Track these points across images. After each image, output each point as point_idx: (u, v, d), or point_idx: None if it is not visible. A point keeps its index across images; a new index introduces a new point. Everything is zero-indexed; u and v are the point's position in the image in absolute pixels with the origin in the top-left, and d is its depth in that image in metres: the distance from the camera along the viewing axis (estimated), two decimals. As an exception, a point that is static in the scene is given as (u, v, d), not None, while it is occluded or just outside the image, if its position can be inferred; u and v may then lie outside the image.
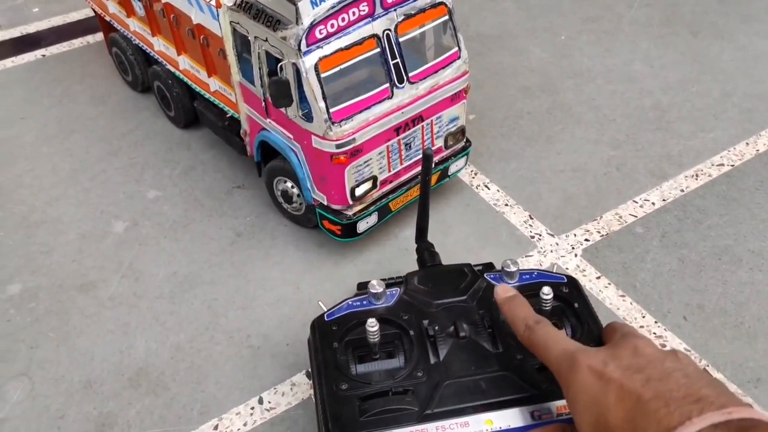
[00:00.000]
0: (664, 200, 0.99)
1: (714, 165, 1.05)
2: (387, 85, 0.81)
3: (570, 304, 0.67)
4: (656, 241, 0.93)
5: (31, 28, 1.45)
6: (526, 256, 0.91)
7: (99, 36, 1.38)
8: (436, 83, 0.85)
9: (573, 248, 0.92)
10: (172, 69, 1.04)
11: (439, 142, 0.92)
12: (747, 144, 1.09)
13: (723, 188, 1.01)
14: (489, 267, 0.77)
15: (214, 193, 1.02)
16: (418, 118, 0.86)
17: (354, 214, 0.86)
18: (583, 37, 1.36)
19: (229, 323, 0.84)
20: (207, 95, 0.99)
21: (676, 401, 0.42)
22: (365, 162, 0.83)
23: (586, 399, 0.47)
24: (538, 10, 1.45)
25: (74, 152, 1.11)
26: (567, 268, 0.89)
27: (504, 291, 0.61)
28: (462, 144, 0.95)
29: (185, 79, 1.02)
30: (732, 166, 1.05)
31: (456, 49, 0.87)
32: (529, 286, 0.69)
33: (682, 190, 1.01)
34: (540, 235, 0.94)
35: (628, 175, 1.04)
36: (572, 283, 0.70)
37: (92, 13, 1.45)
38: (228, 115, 0.98)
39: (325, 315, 0.69)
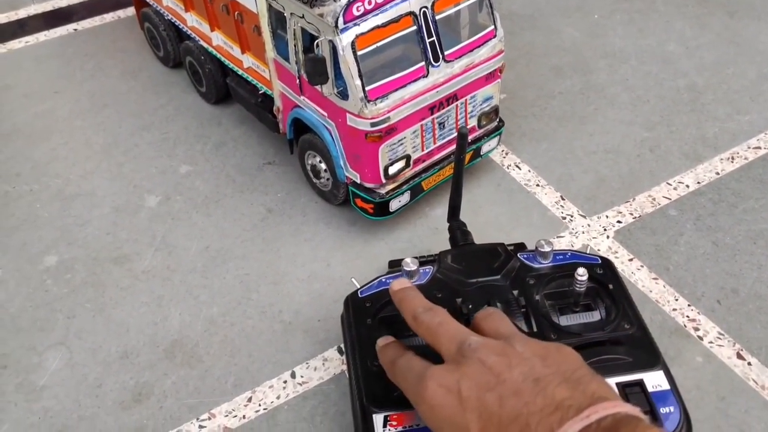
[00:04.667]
0: (698, 183, 0.98)
1: (750, 148, 1.03)
2: (422, 63, 0.80)
3: (604, 286, 0.67)
4: (690, 224, 0.92)
5: (63, 2, 1.46)
6: (557, 237, 0.91)
7: (130, 11, 1.38)
8: (471, 62, 0.84)
9: (605, 230, 0.92)
10: (205, 45, 1.04)
11: (473, 122, 0.91)
12: (784, 127, 1.07)
13: (759, 171, 0.99)
14: (521, 247, 0.77)
15: (245, 169, 1.03)
16: (452, 97, 0.85)
17: (387, 193, 0.86)
18: (616, 17, 1.34)
19: (260, 298, 0.85)
20: (240, 72, 0.99)
21: (536, 416, 0.42)
22: (399, 141, 0.83)
23: (443, 416, 0.47)
24: (571, -12, 1.43)
25: (107, 126, 1.12)
26: (599, 250, 0.89)
27: (398, 284, 0.61)
28: (495, 124, 0.94)
29: (218, 56, 1.02)
30: (769, 149, 1.03)
31: (492, 27, 0.86)
32: (563, 266, 0.69)
33: (717, 173, 0.99)
34: (572, 216, 0.94)
35: (661, 158, 1.02)
36: (606, 264, 0.70)
37: (123, -12, 1.46)
38: (261, 92, 0.98)
39: (359, 292, 0.69)
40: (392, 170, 0.85)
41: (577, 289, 0.65)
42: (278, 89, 0.92)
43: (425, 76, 0.81)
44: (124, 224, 0.96)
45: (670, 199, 0.96)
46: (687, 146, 1.04)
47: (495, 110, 0.93)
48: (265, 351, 0.79)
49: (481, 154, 0.95)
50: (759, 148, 1.03)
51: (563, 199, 0.96)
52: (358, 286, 0.70)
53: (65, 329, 0.83)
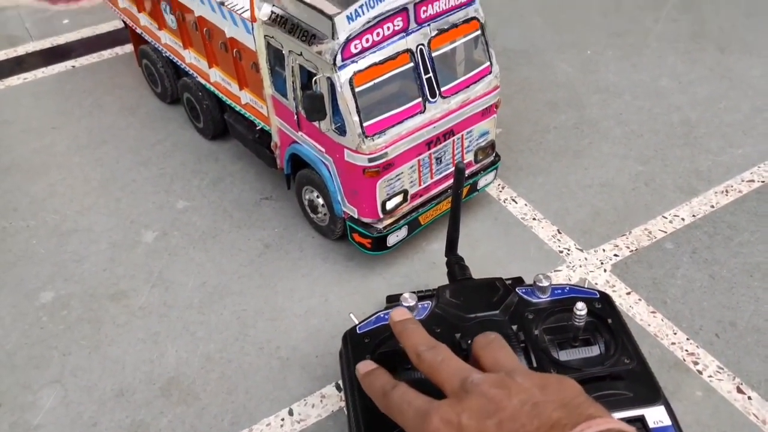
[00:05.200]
0: (694, 216, 0.99)
1: (744, 181, 1.04)
2: (419, 99, 0.81)
3: (603, 320, 0.67)
4: (687, 257, 0.92)
5: (62, 39, 1.48)
6: (554, 271, 0.91)
7: (128, 47, 1.40)
8: (467, 98, 0.86)
9: (602, 263, 0.92)
10: (203, 81, 1.05)
11: (469, 157, 0.92)
12: (777, 160, 1.08)
13: (754, 204, 1.00)
14: (518, 281, 0.77)
15: (243, 205, 1.03)
16: (449, 133, 0.86)
17: (384, 228, 0.87)
18: (609, 53, 1.36)
19: (258, 334, 0.85)
20: (238, 108, 1.00)
21: None
22: (397, 176, 0.84)
23: None
24: (565, 25, 1.45)
25: (105, 162, 1.13)
26: (596, 284, 0.89)
27: (399, 314, 0.61)
28: (491, 158, 0.95)
29: (216, 92, 1.03)
30: (762, 182, 1.04)
31: (488, 63, 0.87)
32: (562, 301, 0.69)
33: (712, 206, 1.00)
34: (568, 250, 0.94)
35: (656, 191, 1.03)
36: (605, 298, 0.70)
37: (121, 25, 1.48)
38: (258, 128, 0.99)
39: (357, 327, 0.69)
40: (390, 205, 0.85)
41: (576, 323, 0.64)
42: (276, 125, 0.93)
43: (422, 112, 0.82)
44: (121, 260, 0.95)
45: (665, 232, 0.96)
46: (681, 179, 1.05)
47: (491, 145, 0.94)
48: (263, 388, 0.79)
49: (478, 188, 0.96)
50: (753, 181, 1.04)
51: (560, 232, 0.97)
52: (357, 322, 0.70)
53: (60, 367, 0.82)
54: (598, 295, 0.70)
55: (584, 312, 0.64)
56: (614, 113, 1.20)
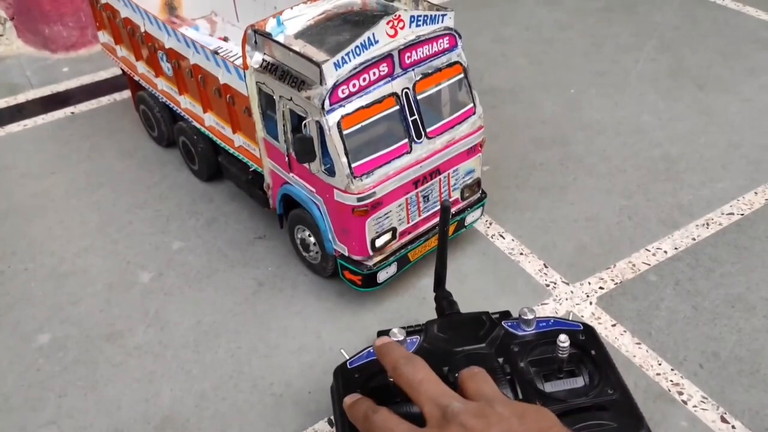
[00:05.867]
0: (676, 248, 1.01)
1: (724, 214, 1.07)
2: (406, 140, 0.84)
3: (587, 352, 0.69)
4: (670, 288, 0.95)
5: (61, 86, 1.52)
6: (541, 304, 0.93)
7: (126, 94, 1.44)
8: (452, 138, 0.89)
9: (588, 296, 0.94)
10: (198, 125, 1.09)
11: (456, 194, 0.95)
12: (756, 193, 1.11)
13: (734, 237, 1.03)
14: (506, 315, 0.79)
15: (237, 244, 1.06)
16: (435, 172, 0.89)
17: (374, 265, 0.89)
18: (592, 91, 1.41)
19: (252, 371, 0.86)
20: (231, 150, 1.03)
21: None
22: (385, 214, 0.86)
23: None
24: (549, 65, 1.50)
25: (102, 205, 1.15)
26: (582, 316, 0.91)
27: (381, 341, 0.63)
28: (478, 195, 0.98)
29: (210, 135, 1.07)
30: (742, 215, 1.07)
31: (471, 105, 0.91)
32: (546, 333, 0.71)
33: (694, 239, 1.03)
34: (555, 284, 0.96)
35: (640, 224, 1.06)
36: (588, 330, 0.71)
37: (118, 73, 1.52)
38: (251, 169, 1.02)
39: (348, 363, 0.71)
40: (379, 242, 0.88)
41: (560, 355, 0.66)
42: (268, 167, 0.96)
43: (408, 152, 0.85)
44: (117, 301, 0.97)
45: (649, 264, 0.99)
46: (664, 213, 1.08)
47: (477, 182, 0.97)
48: (257, 425, 0.80)
49: (465, 225, 0.99)
50: (732, 214, 1.07)
51: (546, 266, 0.99)
52: (347, 357, 0.72)
53: (57, 408, 0.83)
54: (582, 328, 0.71)
55: (567, 344, 0.66)
56: (598, 149, 1.23)
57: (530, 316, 0.71)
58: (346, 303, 0.95)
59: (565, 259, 1.00)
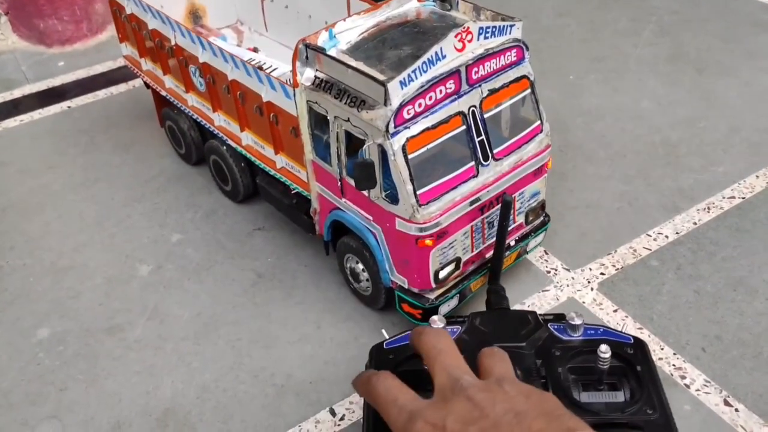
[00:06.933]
0: (677, 233, 1.01)
1: (725, 198, 1.07)
2: (472, 163, 0.78)
3: (632, 367, 0.65)
4: (671, 273, 0.94)
5: (57, 81, 1.51)
6: (542, 291, 0.93)
7: (122, 87, 1.43)
8: (520, 159, 0.82)
9: (589, 282, 0.94)
10: (234, 144, 1.01)
11: (520, 218, 0.88)
12: (757, 177, 1.11)
13: (735, 220, 1.02)
14: (559, 317, 0.73)
15: (236, 236, 1.05)
16: (501, 196, 0.81)
17: (436, 298, 0.82)
18: (591, 77, 1.40)
19: (253, 362, 0.86)
20: (272, 172, 0.95)
21: None
22: (450, 244, 0.80)
23: None
24: (547, 52, 1.49)
25: (100, 199, 1.15)
26: (584, 302, 0.91)
27: (422, 329, 0.61)
28: (541, 218, 0.92)
29: (248, 155, 0.99)
30: (743, 198, 1.06)
31: (538, 122, 0.84)
32: (592, 341, 0.67)
33: (695, 223, 1.02)
34: (556, 270, 0.96)
35: (640, 210, 1.06)
36: (639, 344, 0.67)
37: (114, 66, 1.52)
38: (294, 192, 0.94)
39: (385, 343, 0.68)
40: (442, 274, 0.81)
41: (600, 366, 0.63)
42: (316, 190, 0.88)
43: (475, 176, 0.78)
44: (116, 294, 0.97)
45: (650, 249, 0.98)
46: (664, 198, 1.08)
47: (542, 205, 0.90)
48: (258, 416, 0.80)
49: (528, 250, 0.92)
50: (733, 197, 1.07)
51: (547, 253, 0.99)
52: (387, 337, 0.69)
53: (57, 402, 0.83)
54: (632, 341, 0.67)
55: (608, 355, 0.62)
56: (597, 135, 1.23)
57: (578, 322, 0.67)
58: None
59: (566, 246, 1.00)
